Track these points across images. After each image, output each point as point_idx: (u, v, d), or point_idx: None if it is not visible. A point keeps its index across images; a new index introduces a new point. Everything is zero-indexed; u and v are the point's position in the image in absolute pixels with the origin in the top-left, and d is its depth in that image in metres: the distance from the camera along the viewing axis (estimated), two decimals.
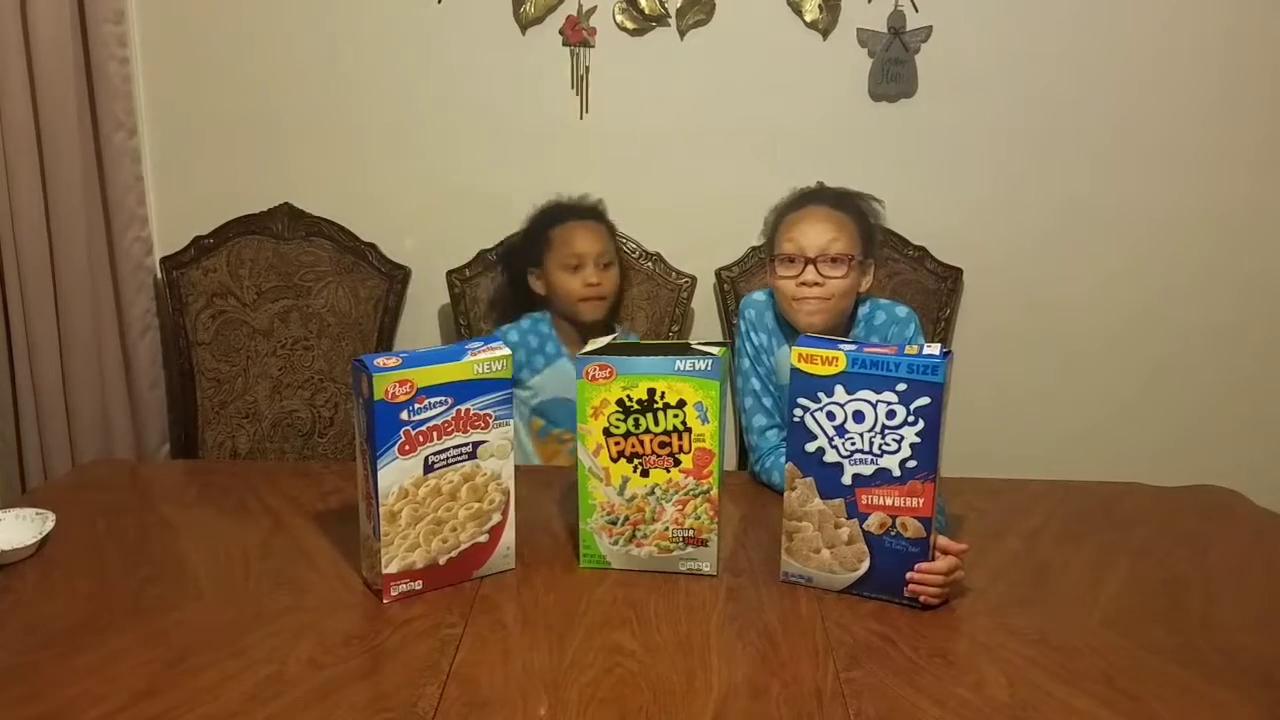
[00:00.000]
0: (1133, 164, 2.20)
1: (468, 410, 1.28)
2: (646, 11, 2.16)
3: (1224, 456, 2.22)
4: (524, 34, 2.18)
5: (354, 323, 2.23)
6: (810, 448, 1.29)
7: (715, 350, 1.31)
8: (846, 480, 1.28)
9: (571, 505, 1.40)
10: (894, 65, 2.16)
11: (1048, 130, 2.19)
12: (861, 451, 1.26)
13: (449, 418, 1.27)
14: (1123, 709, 1.07)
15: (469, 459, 1.30)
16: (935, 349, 1.25)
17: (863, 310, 1.70)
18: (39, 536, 1.38)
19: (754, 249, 2.18)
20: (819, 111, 2.19)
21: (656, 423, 1.31)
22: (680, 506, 1.33)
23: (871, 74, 2.17)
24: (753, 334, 1.72)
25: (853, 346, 1.28)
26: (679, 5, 2.15)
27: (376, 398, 1.22)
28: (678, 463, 1.32)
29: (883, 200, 1.76)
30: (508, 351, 1.31)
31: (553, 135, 2.21)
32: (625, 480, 1.34)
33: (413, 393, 1.24)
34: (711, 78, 2.19)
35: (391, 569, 1.27)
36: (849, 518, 1.29)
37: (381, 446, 1.23)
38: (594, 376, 1.31)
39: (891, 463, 1.25)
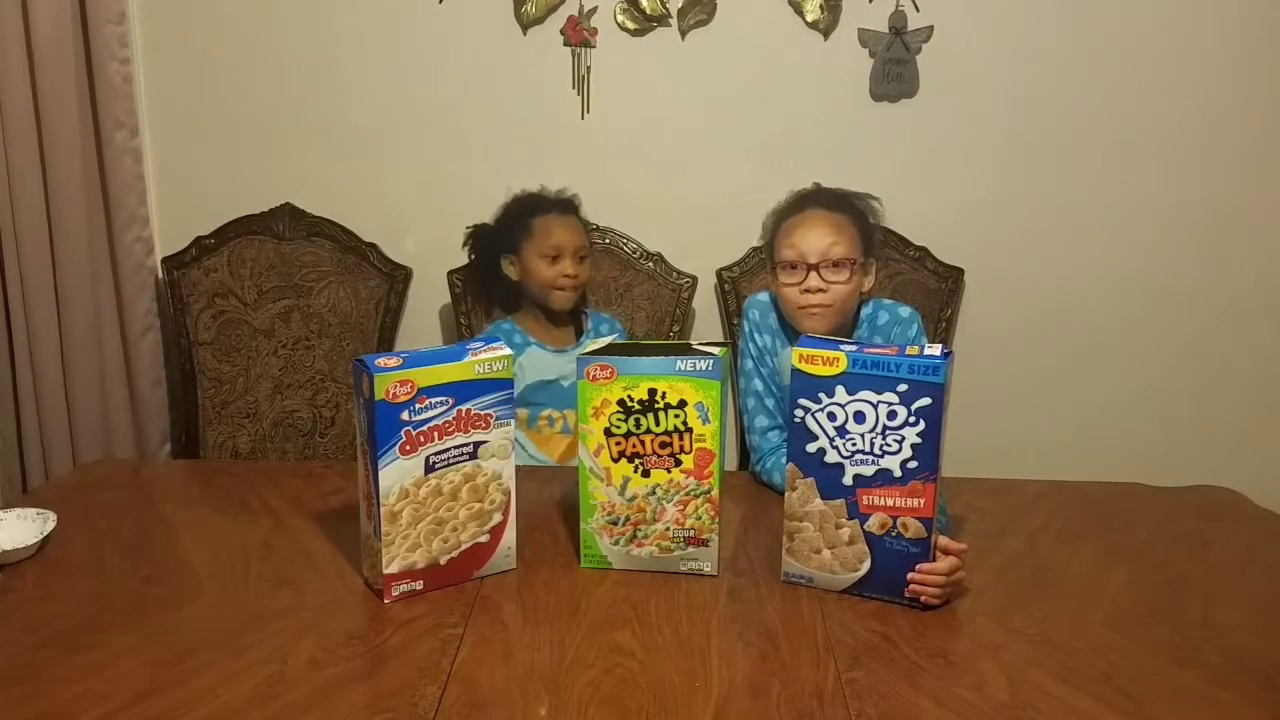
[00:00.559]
0: (1133, 164, 2.20)
1: (469, 410, 1.28)
2: (647, 11, 2.16)
3: (1224, 456, 2.22)
4: (525, 34, 2.18)
5: (355, 323, 2.23)
6: (811, 448, 1.29)
7: (716, 350, 1.31)
8: (847, 481, 1.28)
9: (572, 505, 1.40)
10: (895, 65, 2.16)
11: (1048, 130, 2.19)
12: (862, 452, 1.26)
13: (450, 418, 1.27)
14: (1123, 709, 1.07)
15: (470, 459, 1.30)
16: (936, 349, 1.25)
17: (865, 310, 1.70)
18: (40, 536, 1.38)
19: (755, 249, 2.18)
20: (820, 111, 2.19)
21: (657, 423, 1.31)
22: (681, 507, 1.33)
23: (872, 74, 2.17)
24: (756, 335, 1.72)
25: (853, 347, 1.28)
26: (680, 5, 2.15)
27: (377, 398, 1.22)
28: (679, 463, 1.32)
29: (881, 199, 1.76)
30: (508, 351, 1.31)
31: (554, 135, 2.22)
32: (626, 480, 1.34)
33: (414, 393, 1.24)
34: (712, 78, 2.19)
35: (392, 569, 1.27)
36: (850, 518, 1.29)
37: (382, 446, 1.23)
38: (595, 377, 1.31)
39: (892, 463, 1.25)
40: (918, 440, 1.24)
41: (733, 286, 2.22)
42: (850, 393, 1.26)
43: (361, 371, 1.24)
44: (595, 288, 2.17)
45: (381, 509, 1.25)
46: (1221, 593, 1.35)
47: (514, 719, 1.05)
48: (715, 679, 1.12)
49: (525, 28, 2.17)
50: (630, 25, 2.17)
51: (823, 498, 1.29)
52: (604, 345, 1.38)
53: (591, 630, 1.22)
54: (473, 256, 2.10)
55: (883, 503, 1.27)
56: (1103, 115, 2.18)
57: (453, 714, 1.05)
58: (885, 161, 2.18)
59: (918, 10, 2.14)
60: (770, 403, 1.71)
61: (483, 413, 1.30)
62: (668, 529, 1.34)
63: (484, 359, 1.29)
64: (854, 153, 2.19)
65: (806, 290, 1.61)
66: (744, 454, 2.03)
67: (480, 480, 1.32)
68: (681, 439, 1.31)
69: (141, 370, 2.21)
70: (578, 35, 2.17)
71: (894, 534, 1.27)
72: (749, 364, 1.73)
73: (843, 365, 1.26)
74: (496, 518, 1.34)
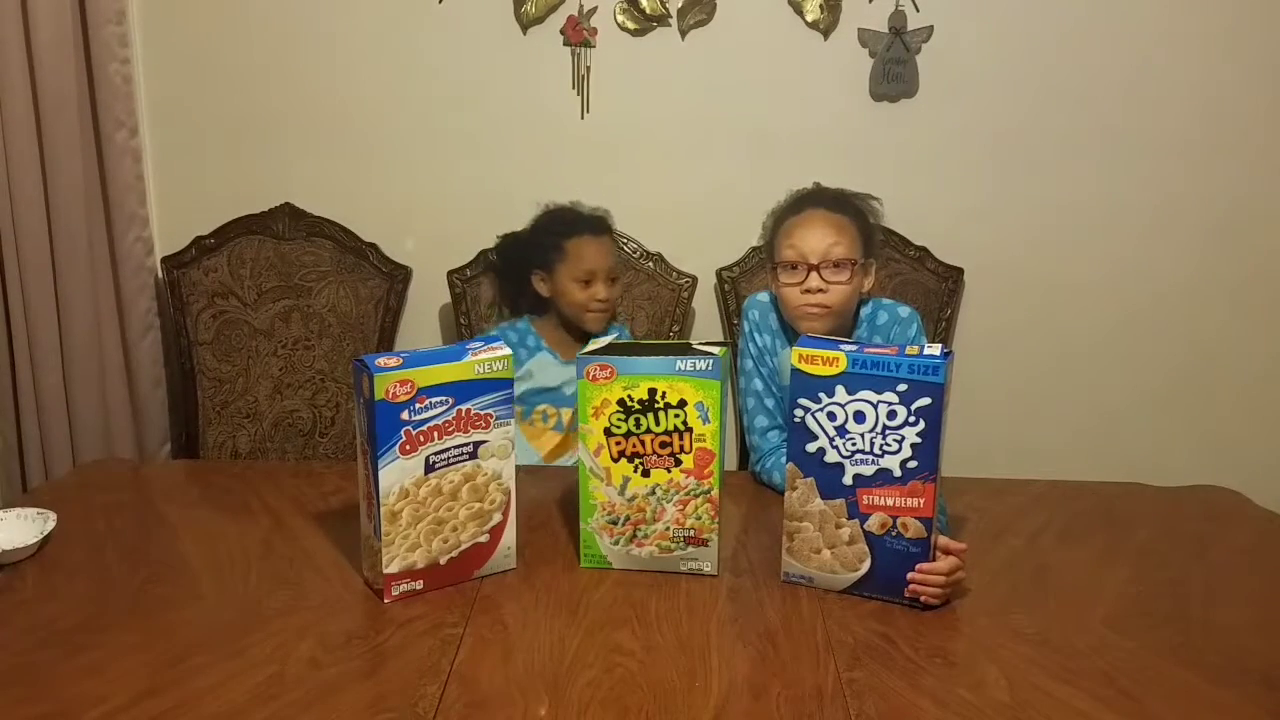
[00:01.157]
0: (1133, 163, 2.20)
1: (468, 410, 1.28)
2: (647, 11, 2.16)
3: (1225, 457, 2.22)
4: (525, 34, 2.18)
5: (355, 323, 2.23)
6: (811, 448, 1.29)
7: (716, 350, 1.31)
8: (847, 480, 1.28)
9: (572, 505, 1.40)
10: (895, 65, 2.16)
11: (1048, 130, 2.19)
12: (862, 452, 1.26)
13: (450, 418, 1.27)
14: (1123, 709, 1.07)
15: (470, 459, 1.30)
16: (936, 349, 1.25)
17: (865, 310, 1.70)
18: (40, 536, 1.38)
19: (755, 249, 2.18)
20: (820, 111, 2.19)
21: (657, 423, 1.31)
22: (681, 506, 1.33)
23: (872, 74, 2.17)
24: (756, 335, 1.72)
25: (853, 347, 1.28)
26: (680, 5, 2.15)
27: (377, 398, 1.22)
28: (679, 463, 1.32)
29: (881, 199, 1.76)
30: (508, 351, 1.31)
31: (554, 135, 2.22)
32: (626, 480, 1.34)
33: (413, 393, 1.24)
34: (712, 78, 2.19)
35: (392, 569, 1.27)
36: (850, 518, 1.29)
37: (382, 446, 1.23)
38: (595, 377, 1.31)
39: (892, 463, 1.25)
40: (918, 440, 1.24)
41: (733, 286, 2.22)
42: (850, 392, 1.26)
43: (361, 371, 1.24)
44: None
45: (381, 509, 1.25)
46: (1221, 593, 1.35)
47: (514, 719, 1.05)
48: (715, 679, 1.12)
49: (525, 28, 2.17)
50: (630, 25, 2.17)
51: (823, 497, 1.29)
52: (604, 345, 1.38)
53: (591, 630, 1.22)
54: (500, 265, 2.10)
55: (883, 502, 1.27)
56: (1102, 115, 2.18)
57: (453, 714, 1.05)
58: (885, 161, 2.18)
59: (918, 10, 2.14)
60: (770, 403, 1.71)
61: (483, 413, 1.29)
62: (668, 529, 1.34)
63: (484, 359, 1.29)
64: (854, 153, 2.19)
65: (807, 290, 1.61)
66: (744, 454, 2.03)
67: (480, 480, 1.32)
68: (681, 439, 1.31)
69: (141, 370, 2.21)
70: (578, 35, 2.17)
71: (894, 534, 1.27)
72: (749, 364, 1.73)
73: (842, 365, 1.26)
74: (496, 517, 1.34)
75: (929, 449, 1.24)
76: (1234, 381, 2.30)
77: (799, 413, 1.29)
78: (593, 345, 1.37)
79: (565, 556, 1.40)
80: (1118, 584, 1.36)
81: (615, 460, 1.33)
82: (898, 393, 1.23)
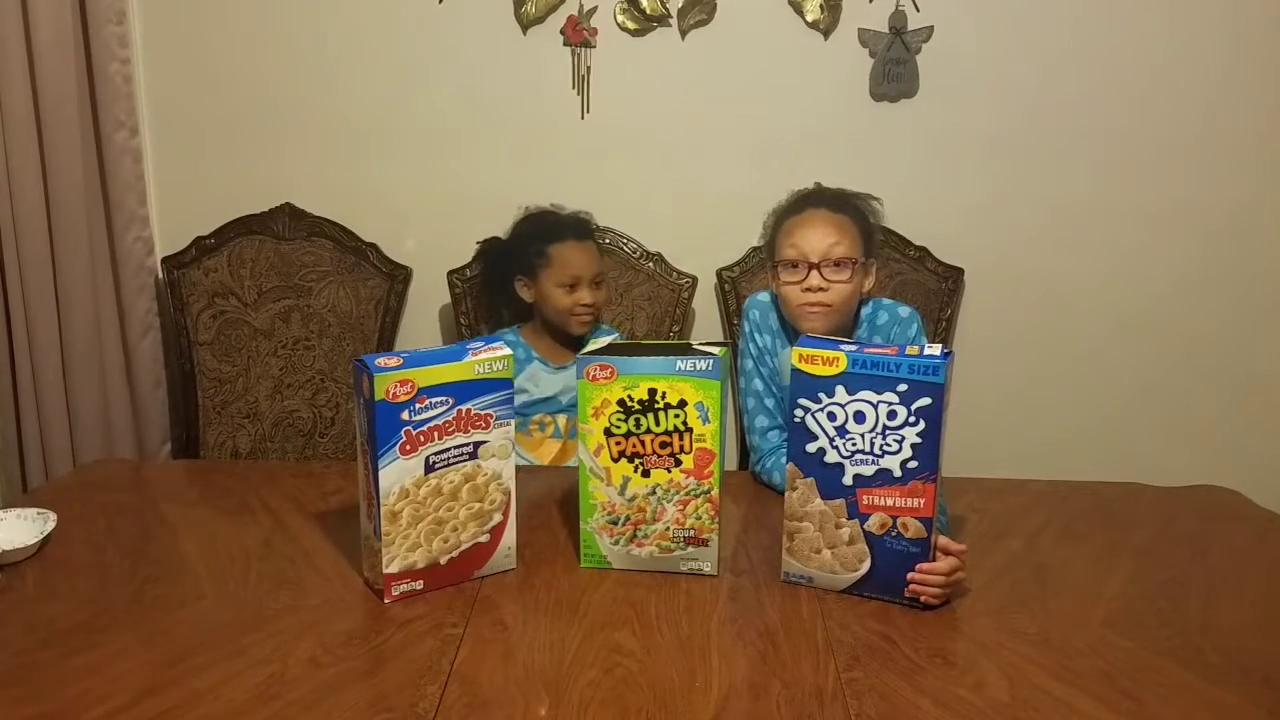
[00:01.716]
0: (1132, 164, 2.20)
1: (469, 410, 1.28)
2: (648, 11, 2.16)
3: (1225, 457, 2.22)
4: (525, 34, 2.18)
5: (355, 323, 2.23)
6: (811, 448, 1.29)
7: (716, 350, 1.31)
8: (847, 480, 1.28)
9: (572, 505, 1.40)
10: (895, 65, 2.16)
11: (1048, 130, 2.19)
12: (862, 452, 1.26)
13: (450, 418, 1.27)
14: (1123, 709, 1.07)
15: (470, 459, 1.30)
16: (936, 349, 1.25)
17: (865, 310, 1.70)
18: (40, 536, 1.38)
19: (755, 249, 2.18)
20: (820, 111, 2.19)
21: (657, 423, 1.31)
22: (681, 506, 1.33)
23: (872, 74, 2.17)
24: (757, 335, 1.72)
25: (853, 347, 1.28)
26: (680, 5, 2.15)
27: (378, 398, 1.22)
28: (679, 463, 1.32)
29: (882, 199, 1.76)
30: (508, 351, 1.31)
31: (554, 135, 2.22)
32: (626, 480, 1.34)
33: (414, 393, 1.24)
34: (712, 78, 2.19)
35: (392, 569, 1.27)
36: (850, 518, 1.29)
37: (382, 446, 1.23)
38: (595, 377, 1.31)
39: (892, 463, 1.25)
40: (918, 440, 1.24)
41: (733, 286, 2.22)
42: (850, 393, 1.26)
43: (361, 371, 1.24)
44: None
45: (381, 509, 1.25)
46: (1221, 593, 1.35)
47: (514, 719, 1.05)
48: (715, 679, 1.12)
49: (525, 28, 2.17)
50: (630, 25, 2.17)
51: (823, 498, 1.29)
52: (604, 345, 1.38)
53: (591, 630, 1.22)
54: (482, 271, 2.09)
55: (883, 503, 1.27)
56: (1102, 115, 2.18)
57: (453, 714, 1.05)
58: (885, 161, 2.18)
59: (918, 10, 2.14)
60: (770, 403, 1.71)
61: (483, 413, 1.30)
62: (668, 529, 1.34)
63: (484, 359, 1.29)
64: (854, 153, 2.19)
65: (808, 289, 1.61)
66: (744, 454, 2.03)
67: (480, 480, 1.32)
68: (681, 439, 1.31)
69: (141, 370, 2.21)
70: (578, 35, 2.17)
71: (894, 534, 1.27)
72: (749, 364, 1.73)
73: (843, 365, 1.26)
74: (496, 517, 1.34)
75: (929, 449, 1.24)
76: (1234, 382, 2.30)
77: (799, 413, 1.29)
78: (593, 345, 1.37)
79: (565, 556, 1.40)
80: (1117, 584, 1.36)
81: (615, 460, 1.33)
82: (898, 393, 1.24)
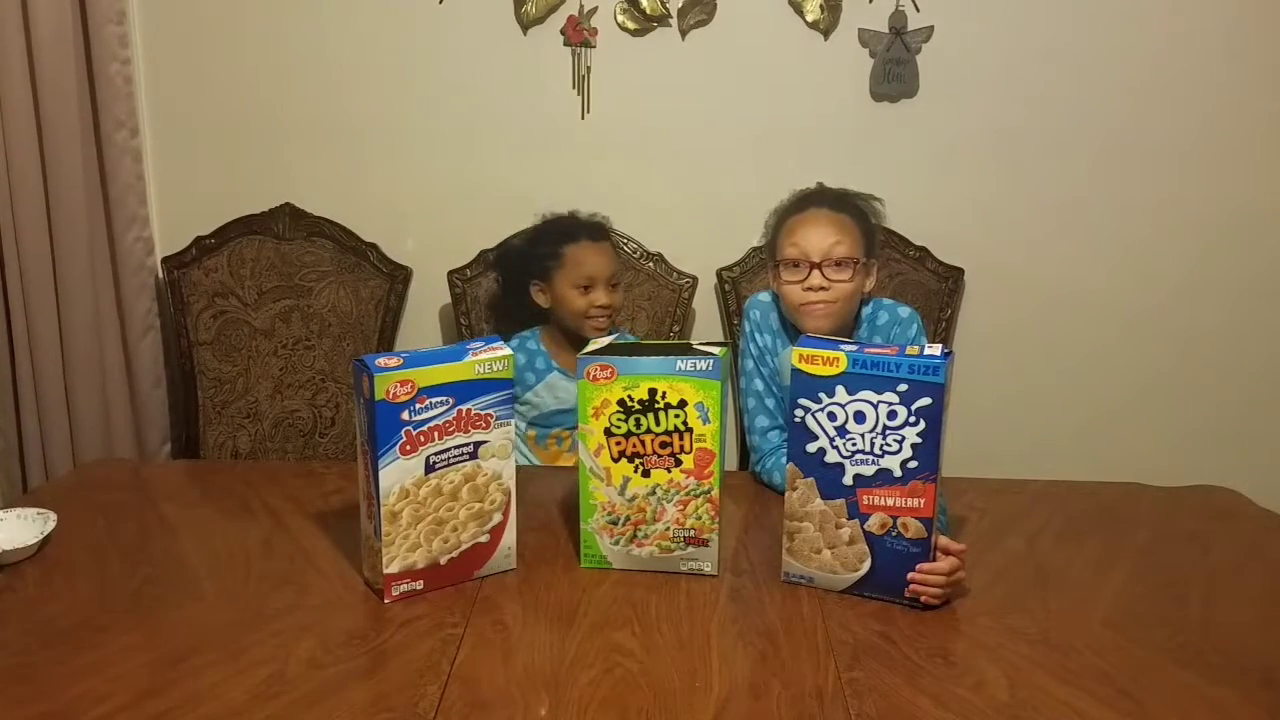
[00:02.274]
0: (1133, 164, 2.20)
1: (469, 410, 1.28)
2: (648, 11, 2.16)
3: (1224, 457, 2.22)
4: (525, 34, 2.18)
5: (355, 323, 2.23)
6: (811, 448, 1.29)
7: (716, 350, 1.31)
8: (848, 481, 1.28)
9: (572, 505, 1.40)
10: (895, 65, 2.16)
11: (1048, 130, 2.19)
12: (862, 452, 1.26)
13: (450, 418, 1.27)
14: (1123, 709, 1.08)
15: (470, 459, 1.30)
16: (936, 349, 1.25)
17: (866, 310, 1.70)
18: (40, 536, 1.38)
19: (755, 249, 2.18)
20: (820, 111, 2.19)
21: (658, 423, 1.31)
22: (681, 506, 1.33)
23: (873, 74, 2.17)
24: (757, 335, 1.72)
25: (853, 347, 1.28)
26: (680, 5, 2.15)
27: (378, 398, 1.22)
28: (679, 463, 1.32)
29: (883, 200, 1.76)
30: (508, 351, 1.31)
31: (554, 135, 2.21)
32: (626, 480, 1.34)
33: (414, 393, 1.24)
34: (713, 78, 2.19)
35: (392, 569, 1.27)
36: (850, 518, 1.29)
37: (383, 446, 1.23)
38: (595, 377, 1.31)
39: (892, 463, 1.25)
40: (918, 440, 1.24)
41: (733, 286, 2.22)
42: (850, 393, 1.26)
43: (361, 371, 1.24)
44: None
45: (381, 509, 1.25)
46: (1221, 593, 1.35)
47: (514, 719, 1.05)
48: (715, 679, 1.12)
49: (525, 28, 2.17)
50: (630, 25, 2.17)
51: (823, 498, 1.30)
52: (604, 345, 1.38)
53: (591, 630, 1.22)
54: (497, 279, 2.08)
55: (883, 503, 1.27)
56: (1102, 115, 2.18)
57: (453, 714, 1.05)
58: (885, 161, 2.18)
59: (918, 10, 2.14)
60: (770, 403, 1.71)
61: (483, 413, 1.30)
62: (668, 529, 1.34)
63: (484, 359, 1.29)
64: (854, 153, 2.19)
65: (809, 288, 1.61)
66: (744, 454, 2.03)
67: (480, 480, 1.32)
68: (681, 439, 1.31)
69: (141, 370, 2.21)
70: (578, 35, 2.17)
71: (894, 534, 1.27)
72: (749, 364, 1.73)
73: (843, 365, 1.26)
74: (496, 518, 1.34)
75: (929, 449, 1.24)
76: (1234, 382, 2.29)
77: (799, 413, 1.29)
78: (593, 345, 1.37)
79: (565, 557, 1.40)
80: (1117, 584, 1.36)
81: (615, 460, 1.33)
82: (898, 393, 1.24)
